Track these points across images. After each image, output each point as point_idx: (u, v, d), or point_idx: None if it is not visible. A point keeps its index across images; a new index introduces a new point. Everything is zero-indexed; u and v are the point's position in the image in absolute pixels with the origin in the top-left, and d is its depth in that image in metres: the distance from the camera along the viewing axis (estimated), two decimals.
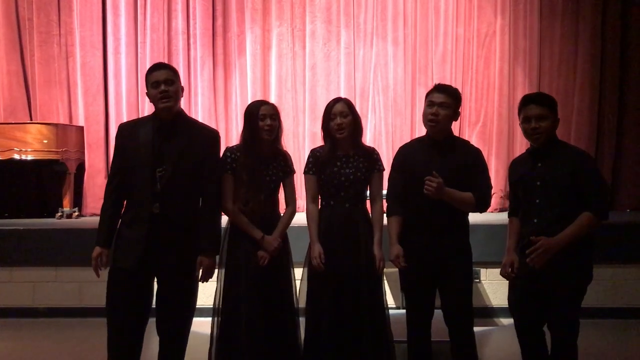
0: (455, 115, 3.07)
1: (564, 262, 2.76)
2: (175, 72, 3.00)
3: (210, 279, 3.04)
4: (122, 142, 2.96)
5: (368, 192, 3.30)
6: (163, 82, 2.87)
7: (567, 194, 2.80)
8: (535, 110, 2.87)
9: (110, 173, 3.02)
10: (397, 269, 3.11)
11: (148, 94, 2.96)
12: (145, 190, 2.84)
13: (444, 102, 3.00)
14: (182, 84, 6.85)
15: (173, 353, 3.00)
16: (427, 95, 3.09)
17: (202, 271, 2.98)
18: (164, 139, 2.89)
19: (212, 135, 3.08)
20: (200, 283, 3.03)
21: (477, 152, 3.14)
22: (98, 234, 2.94)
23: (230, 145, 3.32)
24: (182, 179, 2.88)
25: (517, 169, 3.03)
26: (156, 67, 2.99)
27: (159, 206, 2.84)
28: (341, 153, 3.22)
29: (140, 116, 5.37)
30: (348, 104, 3.21)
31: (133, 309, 2.86)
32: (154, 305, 2.97)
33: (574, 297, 2.84)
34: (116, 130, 3.07)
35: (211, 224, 3.01)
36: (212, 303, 3.26)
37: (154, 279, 2.96)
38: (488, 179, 3.07)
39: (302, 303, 3.27)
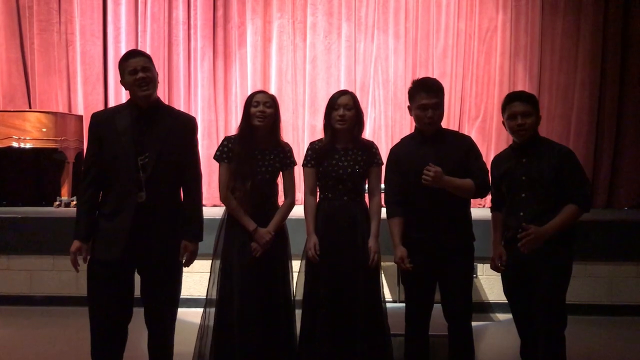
0: (444, 108, 3.09)
1: (548, 252, 2.85)
2: (150, 59, 2.91)
3: (199, 268, 3.01)
4: (98, 132, 2.85)
5: (366, 185, 3.30)
6: (141, 69, 2.80)
7: (551, 188, 2.90)
8: (521, 107, 2.95)
9: (86, 164, 2.89)
10: (394, 263, 3.11)
11: (124, 82, 2.87)
12: (129, 179, 2.78)
13: (436, 102, 3.01)
14: (182, 75, 6.87)
15: (163, 342, 2.98)
16: (413, 95, 3.06)
17: (187, 256, 2.95)
18: (144, 127, 2.83)
19: (190, 122, 3.03)
20: (184, 271, 3.01)
21: (468, 140, 3.17)
22: (76, 227, 2.84)
23: (229, 135, 3.33)
24: (166, 167, 2.83)
25: (500, 165, 3.09)
26: (132, 55, 2.88)
27: (144, 195, 2.79)
28: (340, 146, 3.22)
29: None
30: (354, 98, 3.23)
31: (116, 301, 2.81)
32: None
33: (557, 286, 2.90)
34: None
35: (194, 210, 2.98)
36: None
37: (135, 269, 2.90)
38: (484, 163, 3.09)
39: (299, 295, 3.28)
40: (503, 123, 3.07)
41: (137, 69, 2.79)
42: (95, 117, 2.93)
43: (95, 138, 2.87)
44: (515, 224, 2.93)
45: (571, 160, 2.96)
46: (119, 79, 2.93)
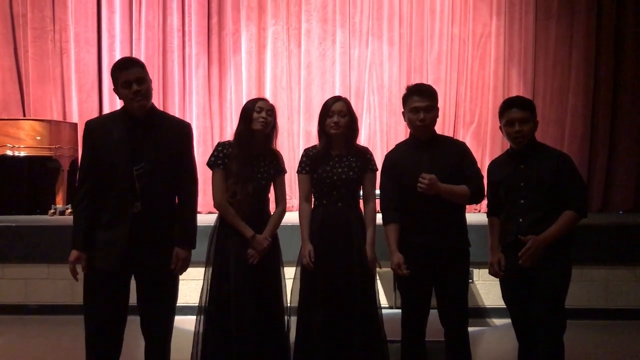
0: (437, 112, 3.10)
1: (547, 259, 2.85)
2: (144, 67, 2.86)
3: (184, 272, 2.99)
4: (93, 140, 2.84)
5: (361, 191, 3.30)
6: (135, 81, 2.76)
7: (549, 194, 2.90)
8: (518, 114, 2.95)
9: (81, 173, 2.88)
10: (391, 269, 3.11)
11: (117, 92, 2.84)
12: (125, 189, 2.77)
13: (427, 105, 3.02)
14: (177, 82, 6.84)
15: (160, 349, 2.98)
16: (406, 99, 3.08)
17: (178, 263, 2.93)
18: (139, 136, 2.81)
19: (184, 128, 3.01)
20: (181, 278, 3.01)
21: (462, 146, 3.18)
22: (74, 237, 2.83)
23: (223, 141, 3.33)
24: (161, 176, 2.83)
25: (497, 170, 3.09)
26: (125, 66, 2.82)
27: (139, 205, 2.78)
28: (335, 152, 3.23)
29: None
30: (347, 104, 3.23)
31: (111, 309, 2.81)
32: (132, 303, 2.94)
33: (557, 292, 2.91)
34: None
35: (188, 217, 2.97)
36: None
37: (131, 278, 2.90)
38: (478, 169, 3.10)
39: (294, 302, 3.27)
40: (500, 128, 3.06)
41: (130, 80, 2.76)
42: (89, 125, 2.91)
43: (90, 146, 2.85)
44: (515, 230, 2.94)
45: (569, 166, 2.97)
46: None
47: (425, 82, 5.80)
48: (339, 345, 3.09)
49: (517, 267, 2.91)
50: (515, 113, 2.95)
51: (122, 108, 2.91)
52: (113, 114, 3.06)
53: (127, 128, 2.81)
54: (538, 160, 2.96)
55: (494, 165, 3.16)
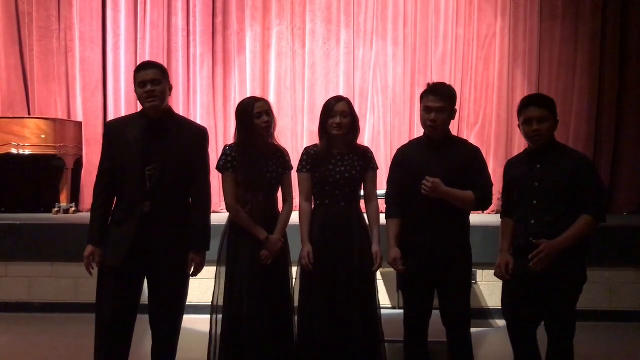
0: (452, 115, 3.08)
1: (561, 264, 2.77)
2: (163, 71, 2.95)
3: (199, 274, 3.04)
4: (111, 140, 2.94)
5: (362, 191, 3.30)
6: (150, 82, 2.85)
7: (564, 196, 2.81)
8: (537, 112, 2.86)
9: (99, 171, 2.99)
10: (387, 262, 3.10)
11: (135, 92, 2.95)
12: (135, 189, 2.84)
13: (441, 107, 2.99)
14: (181, 82, 6.84)
15: (166, 348, 3.01)
16: (422, 97, 3.08)
17: (193, 267, 2.98)
18: (153, 138, 2.88)
19: (200, 133, 3.06)
20: (191, 279, 3.05)
21: (475, 151, 3.13)
22: (90, 232, 2.94)
23: (230, 144, 3.32)
24: (172, 177, 2.88)
25: (513, 170, 3.03)
26: (144, 66, 2.95)
27: (149, 205, 2.84)
28: (336, 151, 3.23)
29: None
30: (349, 105, 3.23)
31: (121, 306, 2.87)
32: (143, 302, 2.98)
33: (570, 298, 2.85)
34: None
35: (201, 220, 3.00)
36: (209, 300, 3.25)
37: (143, 276, 2.96)
38: (488, 176, 3.06)
39: (295, 301, 3.27)
40: (519, 126, 2.97)
41: (146, 81, 2.85)
42: (108, 125, 3.07)
43: (107, 146, 2.96)
44: (526, 232, 2.86)
45: (588, 168, 2.87)
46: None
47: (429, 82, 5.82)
48: (339, 345, 3.09)
49: (526, 272, 2.81)
50: (533, 111, 2.86)
51: (141, 110, 2.99)
52: (131, 116, 3.18)
53: (142, 129, 2.89)
54: (555, 161, 2.86)
55: (509, 164, 3.10)
